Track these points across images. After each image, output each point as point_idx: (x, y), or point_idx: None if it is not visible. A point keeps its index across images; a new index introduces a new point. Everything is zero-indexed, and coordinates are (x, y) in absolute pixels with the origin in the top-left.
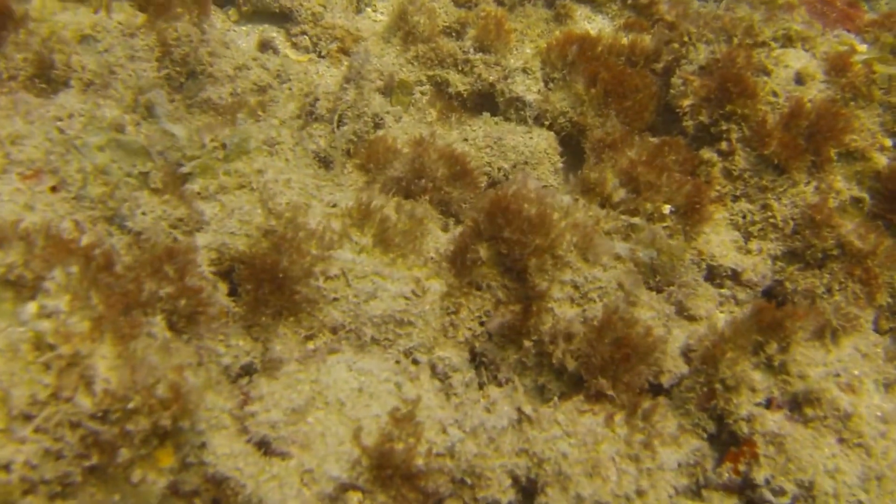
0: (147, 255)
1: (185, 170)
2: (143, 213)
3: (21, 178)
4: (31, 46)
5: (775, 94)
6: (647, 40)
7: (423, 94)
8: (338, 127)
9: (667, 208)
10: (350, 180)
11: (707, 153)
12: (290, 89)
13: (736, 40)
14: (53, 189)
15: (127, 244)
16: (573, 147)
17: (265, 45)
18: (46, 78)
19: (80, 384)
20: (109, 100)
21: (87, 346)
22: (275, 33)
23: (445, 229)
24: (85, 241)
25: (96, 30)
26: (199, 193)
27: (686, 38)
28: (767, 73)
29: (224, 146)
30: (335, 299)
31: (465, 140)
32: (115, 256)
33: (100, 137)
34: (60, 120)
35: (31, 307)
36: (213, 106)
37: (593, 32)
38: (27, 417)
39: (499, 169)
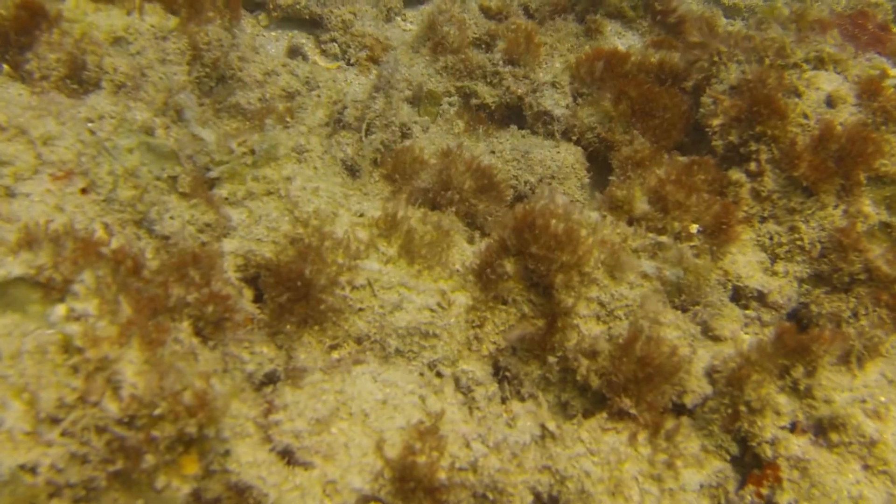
0: (174, 260)
1: (213, 174)
2: (171, 217)
3: (52, 178)
4: (63, 47)
5: (806, 116)
6: (676, 58)
7: (451, 105)
8: (366, 136)
9: (694, 228)
10: (376, 189)
11: (736, 174)
12: (318, 96)
13: (767, 61)
14: (84, 191)
15: (155, 248)
16: (600, 163)
17: (294, 52)
18: (78, 79)
19: (107, 389)
20: (140, 102)
21: (114, 351)
22: (304, 39)
23: (471, 241)
24: (114, 244)
25: (128, 32)
26: (226, 199)
27: (716, 58)
28: (798, 94)
29: (253, 152)
30: (360, 309)
31: (493, 152)
32: (143, 260)
33: (130, 140)
34: (91, 121)
35: (60, 309)
36: (242, 111)
37: (623, 49)
38: (54, 420)
39: (525, 182)
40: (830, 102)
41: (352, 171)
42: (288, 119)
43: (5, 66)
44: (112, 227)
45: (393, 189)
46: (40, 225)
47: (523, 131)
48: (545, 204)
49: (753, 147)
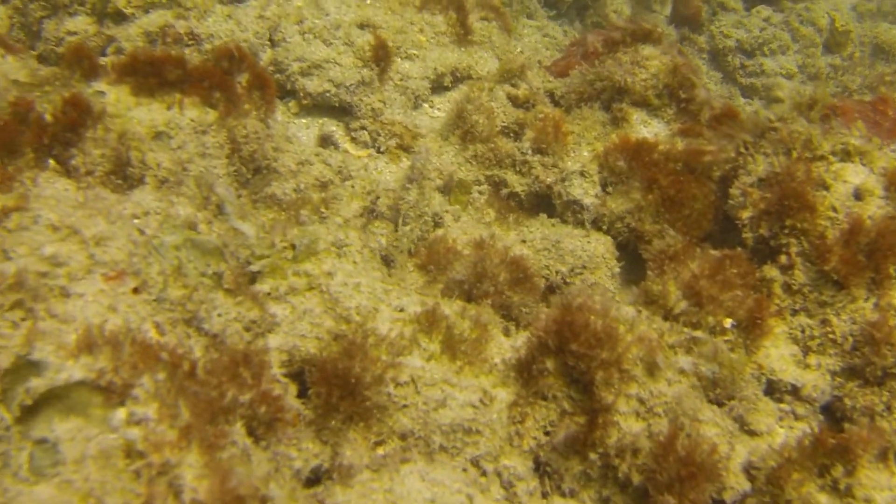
0: (226, 359)
1: (254, 268)
2: (219, 315)
3: (105, 279)
4: (108, 142)
5: (835, 209)
6: (704, 146)
7: (480, 193)
8: (400, 227)
9: (728, 322)
10: (411, 279)
11: (769, 270)
12: (352, 187)
13: (795, 154)
14: (135, 290)
15: (204, 346)
16: (630, 251)
17: (326, 140)
18: (122, 174)
19: (169, 494)
20: (182, 196)
21: (175, 455)
22: (334, 127)
23: (507, 333)
24: (168, 346)
25: (169, 126)
26: (269, 294)
27: (743, 149)
28: (826, 187)
29: (293, 247)
30: (405, 406)
31: (524, 241)
32: (197, 362)
33: (175, 237)
34: (137, 217)
35: (121, 414)
36: (278, 201)
37: (650, 137)
38: None
39: (556, 272)
40: (858, 195)
41: (386, 260)
42: (323, 210)
43: (52, 162)
44: (163, 327)
45: (427, 279)
46: (99, 328)
47: (553, 220)
48: (584, 300)
49: (784, 240)
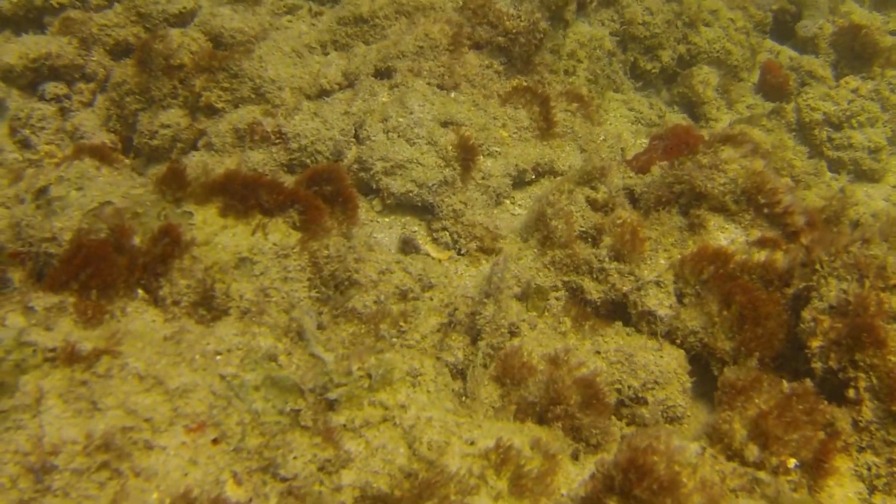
0: None
1: (331, 396)
2: (294, 458)
3: (186, 431)
4: (194, 274)
5: None
6: (780, 259)
7: (557, 299)
8: (476, 342)
9: (792, 462)
10: (485, 393)
11: (838, 412)
12: (431, 299)
13: (868, 283)
14: (215, 441)
15: (279, 493)
16: (703, 365)
17: (406, 243)
18: (207, 305)
19: None
20: (264, 326)
21: None
22: (416, 227)
23: (575, 457)
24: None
25: (252, 252)
26: (344, 425)
27: (819, 267)
28: None
29: (370, 376)
30: None
31: (598, 352)
32: None
33: (256, 374)
34: (220, 354)
35: None
36: (358, 315)
37: (725, 243)
38: None
39: (629, 387)
40: None
41: (461, 373)
42: (402, 324)
43: (140, 292)
44: (240, 476)
45: (502, 392)
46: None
47: (628, 328)
48: (650, 443)
49: (852, 374)
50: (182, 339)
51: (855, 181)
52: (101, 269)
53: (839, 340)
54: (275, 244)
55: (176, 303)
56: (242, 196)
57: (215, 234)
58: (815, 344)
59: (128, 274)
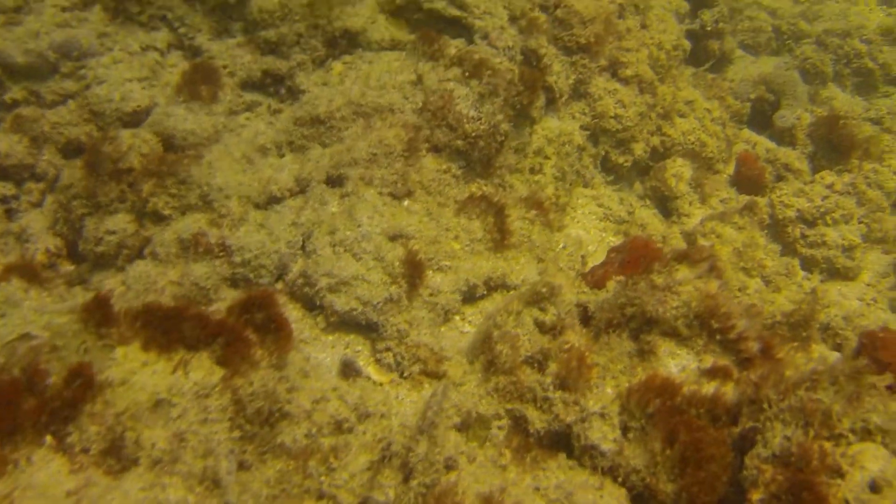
0: None
1: None
2: None
3: None
4: (105, 420)
5: (847, 502)
6: (730, 392)
7: (500, 429)
8: (407, 480)
9: None
10: None
11: None
12: (364, 433)
13: (812, 431)
14: None
15: None
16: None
17: (347, 366)
18: (117, 454)
19: None
20: (176, 476)
21: None
22: (361, 346)
23: None
24: None
25: (171, 393)
26: None
27: (766, 406)
28: (842, 474)
29: None
30: None
31: (537, 489)
32: None
33: None
34: None
35: None
36: (287, 450)
37: (676, 371)
38: None
39: None
40: (875, 487)
41: None
42: (332, 460)
43: (48, 438)
44: None
45: None
46: None
47: (571, 461)
48: None
49: None
50: (84, 496)
51: (828, 280)
52: (9, 414)
53: (779, 495)
54: (195, 383)
55: (85, 451)
56: (165, 329)
57: (134, 371)
58: (756, 497)
59: (37, 418)
